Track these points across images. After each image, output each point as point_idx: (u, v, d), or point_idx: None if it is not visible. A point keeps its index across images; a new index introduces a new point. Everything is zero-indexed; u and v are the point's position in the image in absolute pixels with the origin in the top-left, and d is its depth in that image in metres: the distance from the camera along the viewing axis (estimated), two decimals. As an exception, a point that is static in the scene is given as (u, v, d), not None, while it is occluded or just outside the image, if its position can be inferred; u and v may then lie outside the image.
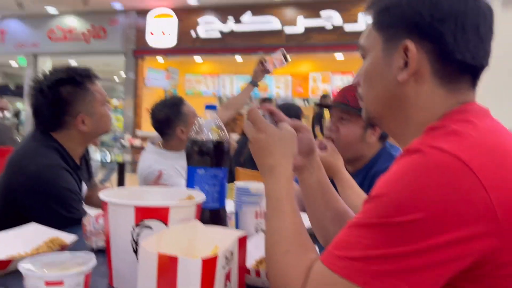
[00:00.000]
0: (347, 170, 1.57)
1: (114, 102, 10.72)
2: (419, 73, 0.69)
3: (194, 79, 10.22)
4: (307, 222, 0.87)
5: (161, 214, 0.84)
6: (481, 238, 0.54)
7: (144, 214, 0.83)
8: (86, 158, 1.65)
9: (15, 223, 1.18)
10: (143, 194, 1.02)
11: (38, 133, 1.48)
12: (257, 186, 1.14)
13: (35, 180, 1.35)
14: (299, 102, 11.02)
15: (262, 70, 2.22)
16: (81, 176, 1.55)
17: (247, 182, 1.18)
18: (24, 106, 10.96)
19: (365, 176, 1.50)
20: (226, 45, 8.74)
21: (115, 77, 15.16)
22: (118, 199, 0.87)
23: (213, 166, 1.04)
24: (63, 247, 1.02)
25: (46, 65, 10.55)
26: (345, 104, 1.49)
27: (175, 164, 2.01)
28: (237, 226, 1.14)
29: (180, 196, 0.99)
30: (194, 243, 0.86)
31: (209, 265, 0.68)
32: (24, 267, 0.73)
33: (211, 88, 10.09)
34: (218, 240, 0.85)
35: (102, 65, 13.06)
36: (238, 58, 9.30)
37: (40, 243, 1.03)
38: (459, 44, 0.66)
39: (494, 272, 0.57)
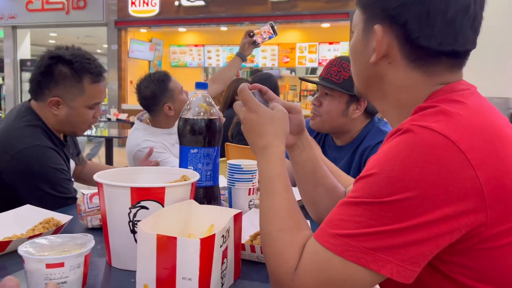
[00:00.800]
0: (335, 143, 1.60)
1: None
2: (390, 56, 0.71)
3: (179, 50, 10.03)
4: (297, 196, 0.90)
5: (157, 195, 0.85)
6: (468, 214, 0.57)
7: (140, 195, 0.84)
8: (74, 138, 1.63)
9: (6, 205, 1.17)
10: (137, 175, 1.03)
11: (23, 109, 1.44)
12: (249, 163, 1.16)
13: (22, 161, 1.33)
14: (285, 72, 10.97)
15: (250, 43, 2.19)
16: (67, 153, 1.53)
17: (239, 160, 1.20)
18: (2, 80, 10.66)
19: (354, 151, 1.52)
20: (211, 14, 8.55)
21: (98, 50, 14.80)
22: (114, 181, 0.88)
23: (206, 146, 1.05)
24: (58, 228, 1.03)
25: (25, 38, 10.24)
26: (328, 79, 1.50)
27: (163, 141, 2.01)
28: (230, 203, 1.16)
29: (174, 176, 1.00)
30: (190, 222, 0.88)
31: (207, 244, 0.70)
32: (24, 250, 0.74)
33: (196, 59, 9.94)
34: (214, 218, 0.87)
35: (83, 36, 12.72)
36: (223, 27, 9.13)
37: (35, 224, 1.04)
38: (423, 30, 0.66)
39: (479, 245, 0.60)
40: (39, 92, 1.41)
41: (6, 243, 0.91)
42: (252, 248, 0.91)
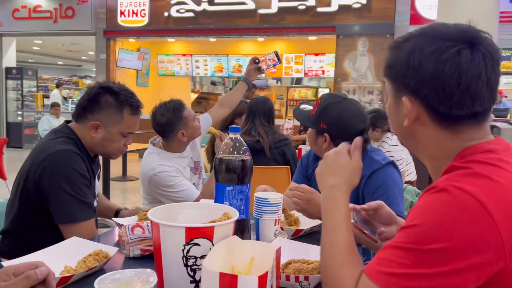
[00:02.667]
0: None
1: (87, 82, 10.45)
2: (420, 120, 0.84)
3: (167, 59, 10.11)
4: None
5: (207, 233, 0.97)
6: (491, 264, 0.70)
7: (193, 233, 0.96)
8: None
9: (31, 205, 1.43)
10: (180, 210, 1.15)
11: (59, 127, 1.63)
12: (275, 196, 1.29)
13: (51, 162, 1.46)
14: (272, 81, 11.17)
15: (256, 69, 2.33)
16: (95, 169, 1.66)
17: (266, 193, 1.32)
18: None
19: None
20: (200, 24, 8.67)
21: (83, 57, 14.72)
22: (163, 218, 1.00)
23: (240, 183, 1.18)
24: (107, 259, 1.14)
25: (11, 45, 10.14)
26: (307, 117, 1.64)
27: (176, 165, 2.11)
28: (257, 233, 1.29)
29: (214, 211, 1.12)
30: (232, 255, 1.01)
31: (263, 280, 0.83)
32: (99, 286, 0.85)
33: (184, 68, 10.03)
34: (254, 252, 1.00)
35: (68, 44, 12.67)
36: (212, 38, 9.25)
37: (84, 256, 1.14)
38: (442, 101, 0.78)
39: None
40: (82, 116, 1.58)
41: (68, 278, 1.02)
42: (287, 277, 1.04)
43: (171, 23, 8.85)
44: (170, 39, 9.76)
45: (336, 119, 1.55)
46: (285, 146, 2.98)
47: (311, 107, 1.66)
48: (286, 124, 6.01)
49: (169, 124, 2.06)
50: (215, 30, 8.69)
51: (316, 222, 1.46)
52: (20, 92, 10.26)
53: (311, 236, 1.49)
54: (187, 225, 0.97)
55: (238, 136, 1.21)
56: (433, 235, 0.71)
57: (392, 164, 1.57)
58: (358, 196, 1.58)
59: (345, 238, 0.87)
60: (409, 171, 3.66)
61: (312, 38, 8.62)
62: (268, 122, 3.01)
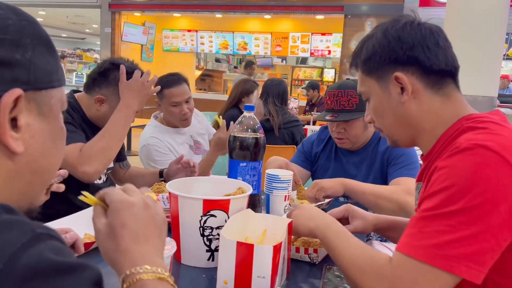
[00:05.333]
0: (348, 150, 1.79)
1: (91, 55, 10.38)
2: (415, 91, 0.89)
3: (172, 35, 10.04)
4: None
5: (223, 205, 1.03)
6: None
7: (210, 205, 1.02)
8: None
9: None
10: (196, 184, 1.20)
11: (68, 93, 1.64)
12: (285, 173, 1.34)
13: None
14: (277, 60, 11.10)
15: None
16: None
17: (277, 170, 1.38)
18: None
19: (372, 154, 1.73)
20: (206, 0, 8.57)
21: (87, 30, 14.60)
22: (181, 191, 1.05)
23: (253, 160, 1.23)
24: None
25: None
26: (344, 111, 1.68)
27: (171, 140, 2.14)
28: (268, 208, 1.34)
29: (229, 186, 1.18)
30: (246, 227, 1.06)
31: (277, 250, 0.89)
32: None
33: (189, 44, 9.97)
34: (266, 225, 1.06)
35: (72, 16, 12.55)
36: (218, 15, 9.17)
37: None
38: (430, 59, 0.86)
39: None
40: (91, 87, 1.62)
41: (89, 244, 1.08)
42: (297, 249, 1.11)
43: (177, -2, 8.76)
44: (176, 14, 9.67)
45: None
46: (295, 128, 3.03)
47: (334, 114, 1.69)
48: (292, 103, 6.05)
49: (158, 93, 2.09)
50: (221, 6, 8.60)
51: (324, 200, 1.52)
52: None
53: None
54: (204, 197, 1.02)
55: (252, 114, 1.25)
56: (466, 193, 0.72)
57: None
58: (383, 162, 1.68)
59: (353, 240, 0.90)
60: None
61: (319, 17, 8.54)
62: (281, 103, 3.07)
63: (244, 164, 1.22)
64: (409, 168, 1.60)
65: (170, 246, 0.95)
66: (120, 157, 1.87)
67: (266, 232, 1.06)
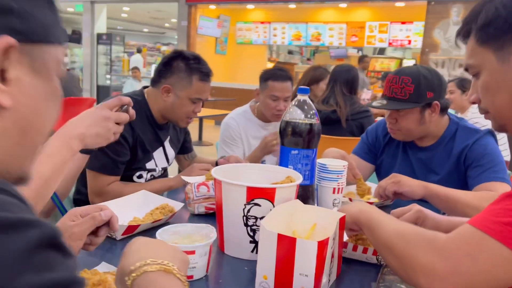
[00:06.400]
0: (417, 145, 1.61)
1: (169, 48, 10.80)
2: None
3: (245, 27, 10.10)
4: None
5: (268, 194, 0.95)
6: None
7: (255, 193, 0.95)
8: (185, 130, 1.87)
9: None
10: (244, 171, 1.14)
11: (138, 90, 1.70)
12: (335, 163, 1.22)
13: None
14: (352, 51, 10.71)
15: None
16: (162, 136, 1.71)
17: (328, 159, 1.27)
18: (81, 52, 11.36)
19: (445, 152, 1.53)
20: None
21: (166, 24, 15.26)
22: (226, 177, 0.99)
23: (305, 147, 1.13)
24: (173, 213, 1.17)
25: (102, 12, 10.78)
26: (394, 98, 1.50)
27: (250, 130, 2.14)
28: (316, 199, 1.24)
29: (278, 174, 1.10)
30: (294, 219, 0.97)
31: (322, 246, 0.79)
32: (161, 237, 0.87)
33: (262, 36, 9.96)
34: (316, 218, 0.96)
35: (154, 11, 13.19)
36: (292, 5, 9.04)
37: (152, 209, 1.19)
38: None
39: None
40: (157, 80, 1.64)
41: (135, 227, 1.07)
42: (355, 248, 0.99)
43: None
44: (250, 6, 9.71)
45: (439, 81, 1.51)
46: (365, 119, 2.74)
47: (384, 101, 1.54)
48: (364, 95, 5.76)
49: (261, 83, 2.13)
50: (295, -4, 8.47)
51: (392, 198, 1.38)
52: (109, 57, 10.95)
53: (382, 210, 1.40)
54: (248, 184, 0.95)
55: (307, 98, 1.16)
56: None
57: (491, 133, 1.50)
58: (459, 164, 1.50)
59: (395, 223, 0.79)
60: (501, 148, 3.33)
61: (399, 4, 8.04)
62: (349, 92, 2.78)
63: (296, 151, 1.13)
64: (496, 171, 1.39)
65: (212, 235, 0.90)
66: (185, 150, 1.93)
67: (315, 226, 0.96)
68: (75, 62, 12.05)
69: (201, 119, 6.57)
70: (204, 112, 6.15)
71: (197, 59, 1.62)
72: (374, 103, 1.56)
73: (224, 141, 2.15)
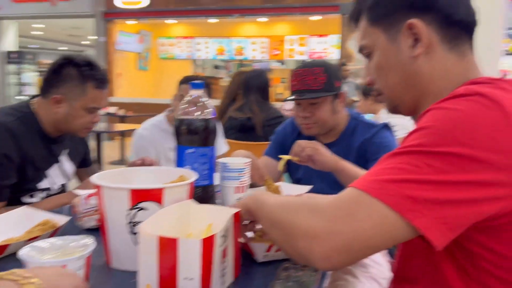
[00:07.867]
0: (322, 142, 1.61)
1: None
2: (430, 44, 0.74)
3: (168, 42, 9.95)
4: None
5: (155, 196, 0.86)
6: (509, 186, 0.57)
7: (139, 196, 0.85)
8: (84, 141, 1.72)
9: None
10: (134, 175, 1.04)
11: (20, 103, 1.52)
12: (236, 161, 1.17)
13: None
14: (276, 64, 10.96)
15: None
16: (56, 150, 1.55)
17: (230, 158, 1.21)
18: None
19: (346, 147, 1.57)
20: (200, 5, 8.47)
21: (83, 42, 14.61)
22: (112, 183, 0.88)
23: (202, 145, 1.06)
24: (56, 229, 1.03)
25: (10, 29, 10.04)
26: (309, 90, 1.52)
27: (163, 141, 2.06)
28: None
29: (171, 175, 1.01)
30: (188, 222, 0.89)
31: (208, 244, 0.72)
32: (24, 254, 0.74)
33: (185, 51, 9.87)
34: (212, 217, 0.88)
35: (69, 28, 12.53)
36: (213, 20, 9.07)
37: (32, 226, 1.04)
38: (452, 7, 0.73)
39: (509, 226, 0.60)
40: (46, 90, 1.47)
41: (3, 247, 0.92)
42: (269, 249, 0.92)
43: (171, 4, 8.67)
44: (171, 21, 9.59)
45: (340, 72, 1.62)
46: (281, 124, 2.77)
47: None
48: (286, 105, 5.85)
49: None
50: (216, 11, 8.50)
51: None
52: (20, 77, 10.19)
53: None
54: (131, 186, 0.85)
55: (201, 92, 1.09)
56: (447, 137, 0.58)
57: (387, 126, 1.58)
58: (358, 157, 1.53)
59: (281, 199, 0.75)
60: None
61: (315, 18, 8.40)
62: (262, 98, 2.74)
63: (192, 150, 1.05)
64: None
65: (89, 245, 0.79)
66: (86, 163, 1.78)
67: (211, 226, 0.89)
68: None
69: (122, 134, 6.26)
70: (126, 127, 5.91)
71: (91, 65, 1.48)
72: (289, 98, 1.55)
73: (137, 153, 2.03)
